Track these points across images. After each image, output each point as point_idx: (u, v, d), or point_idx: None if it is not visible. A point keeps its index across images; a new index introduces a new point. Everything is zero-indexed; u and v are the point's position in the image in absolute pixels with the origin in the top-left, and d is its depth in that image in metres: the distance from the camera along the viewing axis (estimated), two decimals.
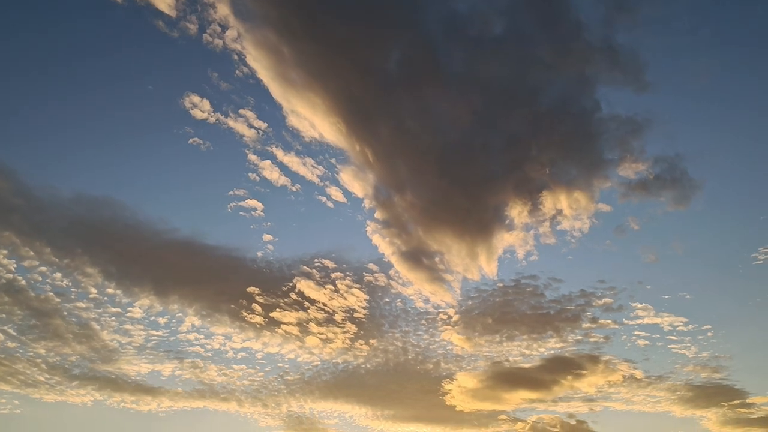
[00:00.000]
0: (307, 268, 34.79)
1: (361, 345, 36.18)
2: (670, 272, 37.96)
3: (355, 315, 35.65)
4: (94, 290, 32.98)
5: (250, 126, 33.33)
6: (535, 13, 30.74)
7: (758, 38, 35.22)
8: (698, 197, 34.04)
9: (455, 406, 37.22)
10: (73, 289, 32.72)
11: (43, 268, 31.58)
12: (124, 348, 34.34)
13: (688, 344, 36.84)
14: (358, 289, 35.53)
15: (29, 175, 29.52)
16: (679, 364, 36.92)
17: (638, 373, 36.68)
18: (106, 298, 33.48)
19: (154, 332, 34.79)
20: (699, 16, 34.25)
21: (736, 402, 36.28)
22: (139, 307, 34.18)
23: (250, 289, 34.05)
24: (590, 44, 30.67)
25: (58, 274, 32.01)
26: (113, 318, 33.95)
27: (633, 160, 32.78)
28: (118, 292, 33.46)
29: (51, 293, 32.06)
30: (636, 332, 36.77)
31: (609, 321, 36.05)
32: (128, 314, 34.15)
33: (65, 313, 32.61)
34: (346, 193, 35.07)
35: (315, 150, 34.53)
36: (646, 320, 36.66)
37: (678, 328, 36.78)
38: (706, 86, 34.48)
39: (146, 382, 35.14)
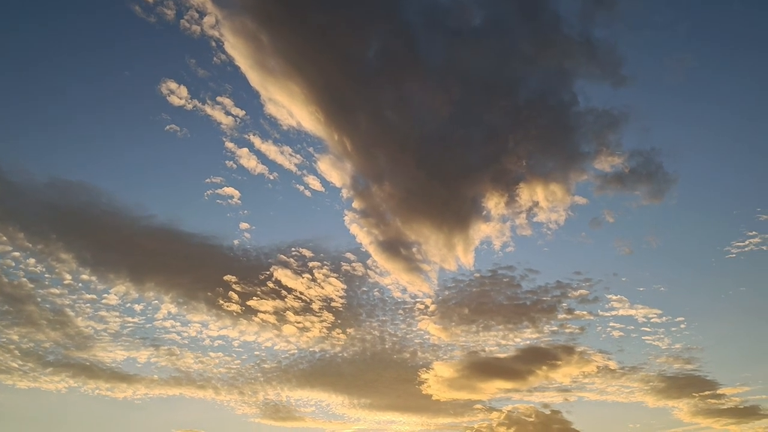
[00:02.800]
0: (284, 257, 34.87)
1: (339, 334, 36.41)
2: (645, 265, 38.64)
3: (333, 304, 35.83)
4: (68, 276, 32.81)
5: (228, 113, 33.23)
6: (515, 6, 30.99)
7: (735, 35, 35.76)
8: (673, 191, 34.65)
9: (431, 396, 37.66)
10: (47, 275, 32.53)
11: (17, 254, 31.35)
12: (99, 335, 34.24)
13: (662, 336, 37.57)
14: (336, 278, 35.71)
15: (2, 159, 29.21)
16: (652, 356, 37.73)
17: (612, 364, 37.37)
18: (80, 284, 33.33)
19: (129, 319, 34.74)
20: (676, 11, 34.73)
21: (707, 393, 37.18)
22: (115, 294, 34.07)
23: (227, 278, 34.03)
24: (569, 38, 30.97)
25: (32, 260, 31.80)
26: (88, 304, 33.82)
27: (609, 154, 33.24)
28: (93, 278, 33.27)
29: (24, 279, 31.86)
30: (611, 323, 37.43)
31: (584, 312, 36.68)
32: (103, 301, 34.06)
33: (39, 299, 32.43)
34: (324, 182, 35.15)
35: (293, 138, 34.52)
36: (620, 312, 37.30)
37: (652, 320, 37.47)
38: (682, 82, 34.96)
39: (122, 369, 35.10)
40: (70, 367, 33.89)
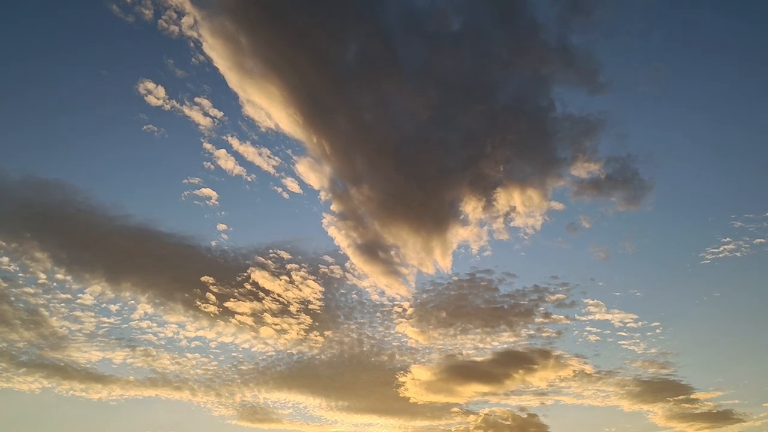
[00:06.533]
0: (261, 259, 34.83)
1: (316, 336, 36.39)
2: (621, 270, 39.06)
3: (310, 306, 35.84)
4: (43, 275, 32.48)
5: (206, 114, 33.23)
6: (493, 11, 31.29)
7: (709, 42, 36.34)
8: (648, 198, 35.10)
9: (409, 398, 37.77)
10: (21, 274, 32.17)
11: None
12: (74, 335, 33.92)
13: (638, 340, 37.95)
14: (314, 280, 35.73)
15: None
16: (628, 360, 38.11)
17: (588, 368, 37.70)
18: (55, 283, 33.00)
19: (105, 319, 34.47)
20: (651, 19, 35.17)
21: (682, 397, 37.61)
22: (90, 294, 33.78)
23: (204, 279, 33.95)
24: (546, 44, 31.34)
25: (5, 258, 31.44)
26: (63, 304, 33.51)
27: (586, 160, 33.61)
28: (69, 277, 32.97)
29: None
30: (587, 328, 37.74)
31: (561, 316, 37.00)
32: (78, 301, 33.75)
33: (13, 298, 32.06)
34: (303, 184, 35.24)
35: (271, 140, 34.57)
36: (597, 316, 37.64)
37: (628, 325, 37.84)
38: (657, 89, 35.41)
39: (97, 370, 34.80)
40: (44, 367, 33.61)
